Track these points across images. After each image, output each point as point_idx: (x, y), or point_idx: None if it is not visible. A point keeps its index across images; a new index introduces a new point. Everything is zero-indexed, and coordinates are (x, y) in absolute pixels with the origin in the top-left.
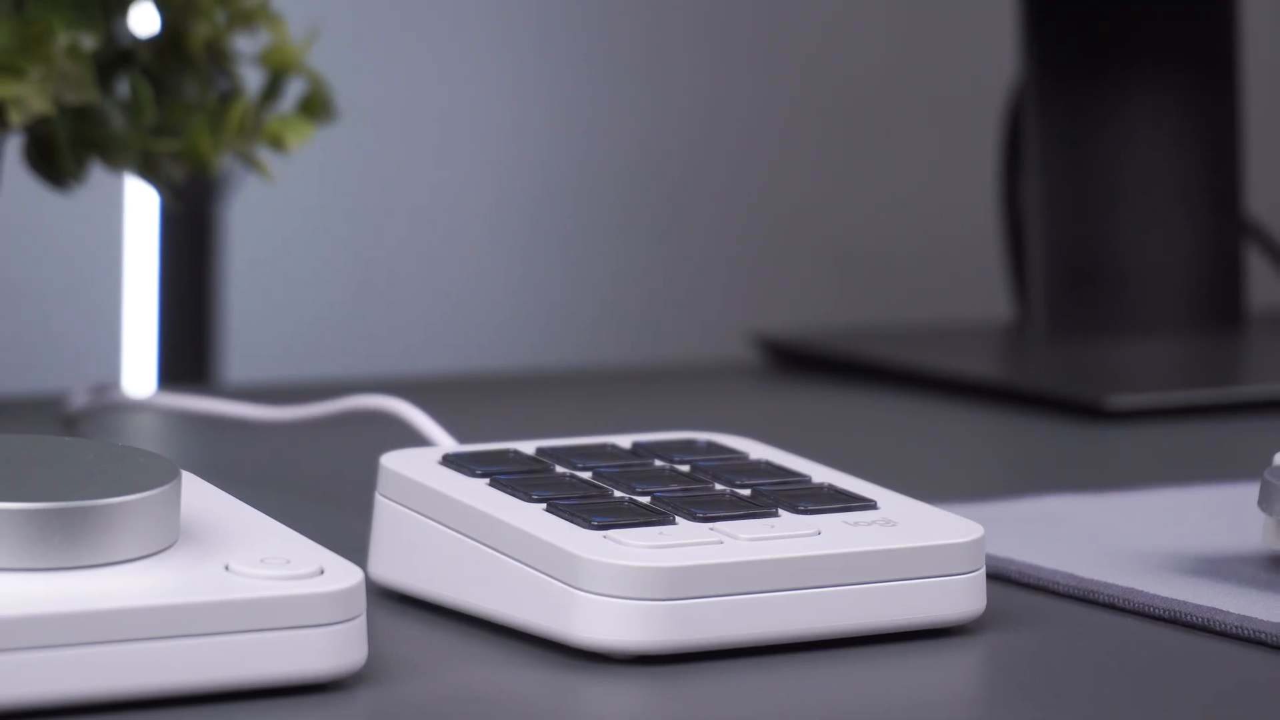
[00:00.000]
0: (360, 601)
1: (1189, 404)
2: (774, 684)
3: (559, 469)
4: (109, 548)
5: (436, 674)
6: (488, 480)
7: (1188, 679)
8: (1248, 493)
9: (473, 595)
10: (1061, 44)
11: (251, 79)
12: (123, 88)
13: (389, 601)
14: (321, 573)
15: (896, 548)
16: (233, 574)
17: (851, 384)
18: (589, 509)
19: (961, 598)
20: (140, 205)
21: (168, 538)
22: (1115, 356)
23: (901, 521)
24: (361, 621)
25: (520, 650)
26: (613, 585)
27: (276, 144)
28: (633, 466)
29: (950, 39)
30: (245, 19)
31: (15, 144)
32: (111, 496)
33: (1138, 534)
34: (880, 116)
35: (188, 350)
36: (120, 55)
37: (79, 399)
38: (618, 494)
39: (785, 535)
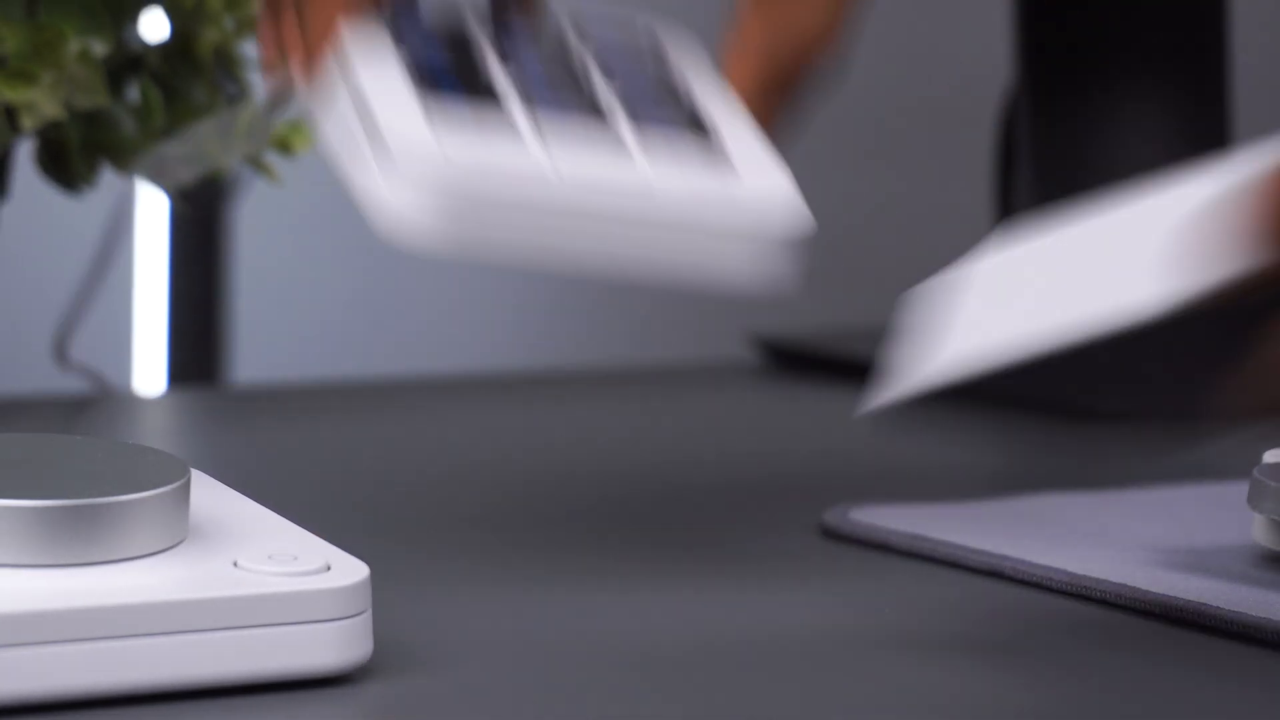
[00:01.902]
0: (366, 597)
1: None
2: None
3: (472, 27)
4: (119, 544)
5: (442, 668)
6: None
7: (1178, 674)
8: (1238, 490)
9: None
10: (1054, 52)
11: (257, 83)
12: (132, 92)
13: (394, 597)
14: (328, 569)
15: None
16: (241, 570)
17: (850, 384)
18: (437, 77)
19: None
20: (150, 208)
21: (177, 534)
22: (1109, 356)
23: (741, 198)
24: (367, 616)
25: (528, 645)
26: (402, 178)
27: (284, 148)
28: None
29: (947, 45)
30: (253, 25)
31: (25, 147)
32: (122, 494)
33: (1129, 530)
34: (879, 121)
35: (197, 351)
36: (130, 60)
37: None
38: (489, 62)
39: (604, 154)
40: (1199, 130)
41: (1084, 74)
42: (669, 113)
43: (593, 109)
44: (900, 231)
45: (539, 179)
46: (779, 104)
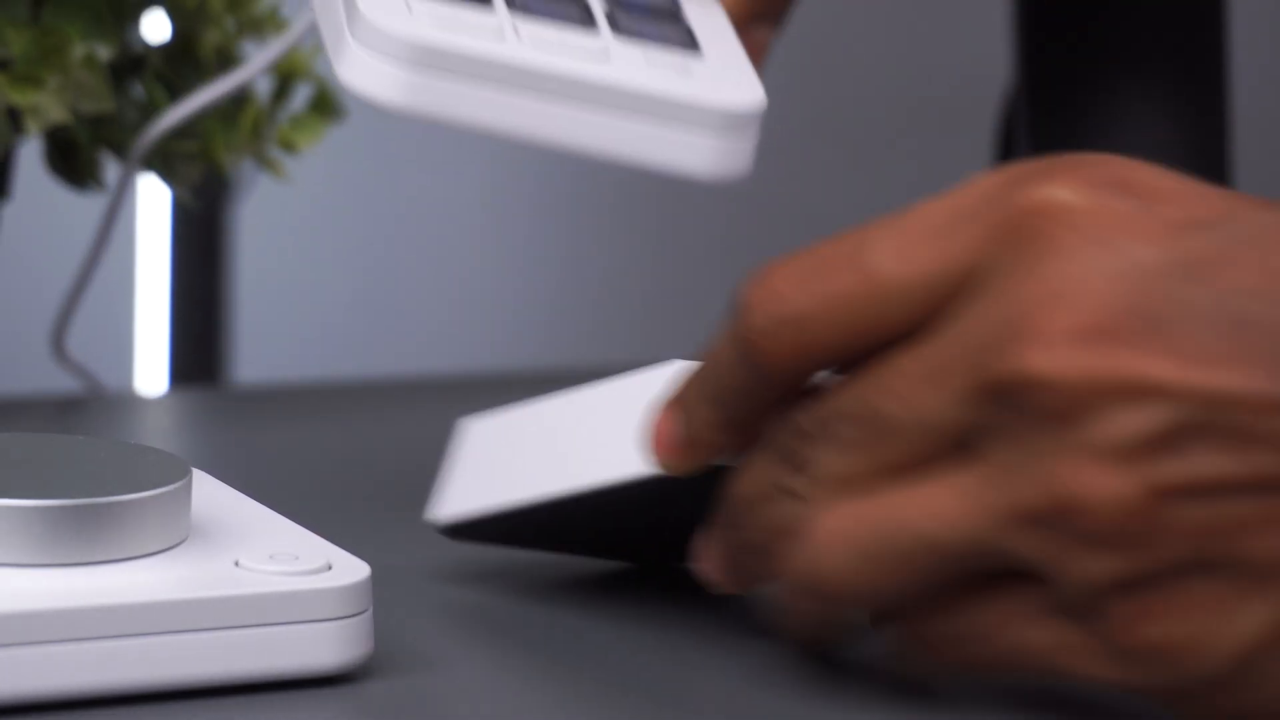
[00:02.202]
0: (367, 596)
1: None
2: None
3: None
4: (121, 544)
5: (442, 667)
6: None
7: None
8: None
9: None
10: (1054, 53)
11: (260, 84)
12: (136, 90)
13: (395, 596)
14: (329, 568)
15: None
16: (242, 569)
17: None
18: None
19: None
20: (153, 207)
21: (179, 534)
22: None
23: (697, 75)
24: (368, 616)
25: (529, 643)
26: (371, 38)
27: (288, 146)
28: None
29: (947, 45)
30: (255, 25)
31: (29, 146)
32: (124, 494)
33: None
34: (878, 122)
35: (198, 350)
36: (132, 61)
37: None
38: None
39: (574, 50)
40: (1198, 131)
41: (1083, 75)
42: (648, 22)
43: (572, 14)
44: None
45: (501, 46)
46: (763, 12)
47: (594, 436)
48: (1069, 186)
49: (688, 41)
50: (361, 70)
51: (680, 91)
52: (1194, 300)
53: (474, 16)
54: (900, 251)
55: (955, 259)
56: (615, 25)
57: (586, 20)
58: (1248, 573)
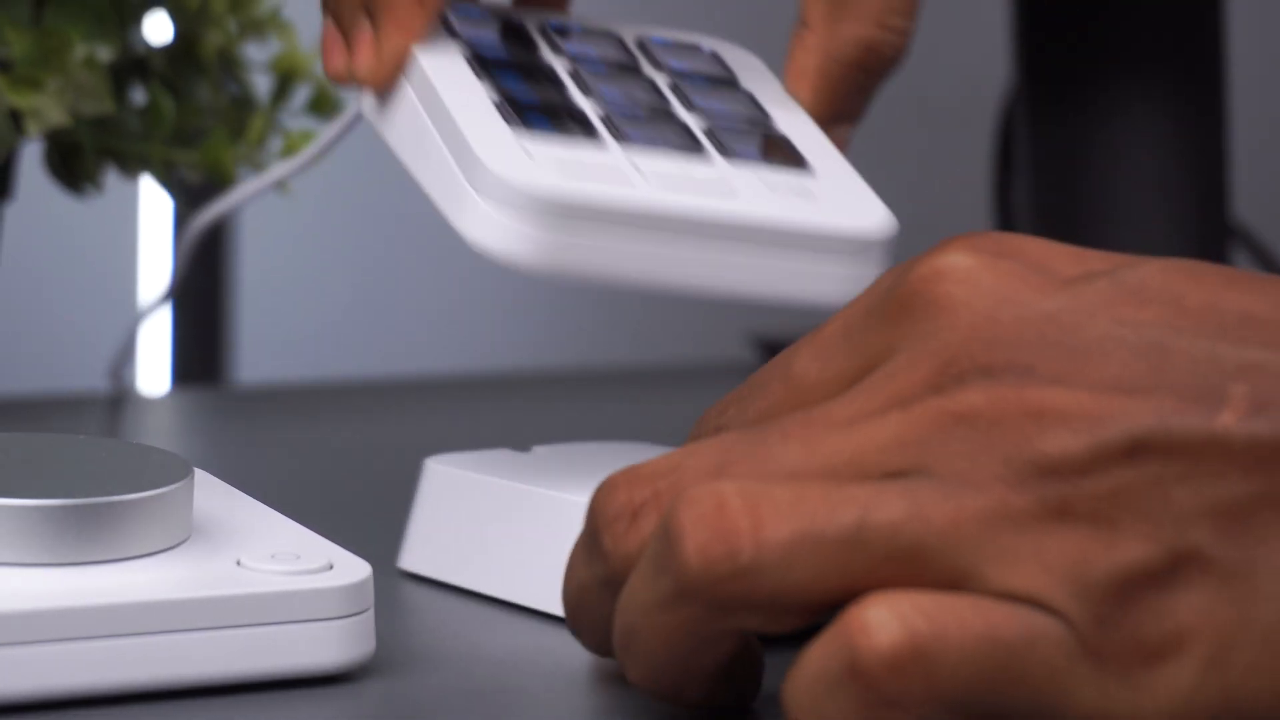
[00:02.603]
0: (368, 595)
1: None
2: None
3: (545, 51)
4: (124, 543)
5: (444, 666)
6: (468, 53)
7: None
8: None
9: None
10: (1053, 54)
11: (259, 84)
12: (137, 95)
13: (396, 596)
14: (330, 568)
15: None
16: (244, 569)
17: None
18: (529, 107)
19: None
20: (155, 207)
21: (181, 533)
22: None
23: (819, 197)
24: (370, 615)
25: (530, 644)
26: (499, 192)
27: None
28: (621, 64)
29: (947, 46)
30: (256, 27)
31: (30, 149)
32: (126, 493)
33: None
34: (877, 122)
35: (200, 351)
36: (134, 63)
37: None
38: (574, 94)
39: (700, 184)
40: (1194, 132)
41: (1082, 76)
42: (750, 140)
43: (679, 141)
44: (899, 234)
45: (634, 192)
46: (844, 112)
47: (541, 545)
48: (960, 252)
49: (795, 159)
50: (492, 229)
51: (813, 222)
52: (1104, 333)
53: (592, 155)
54: (816, 356)
55: (868, 348)
56: (721, 147)
57: (693, 145)
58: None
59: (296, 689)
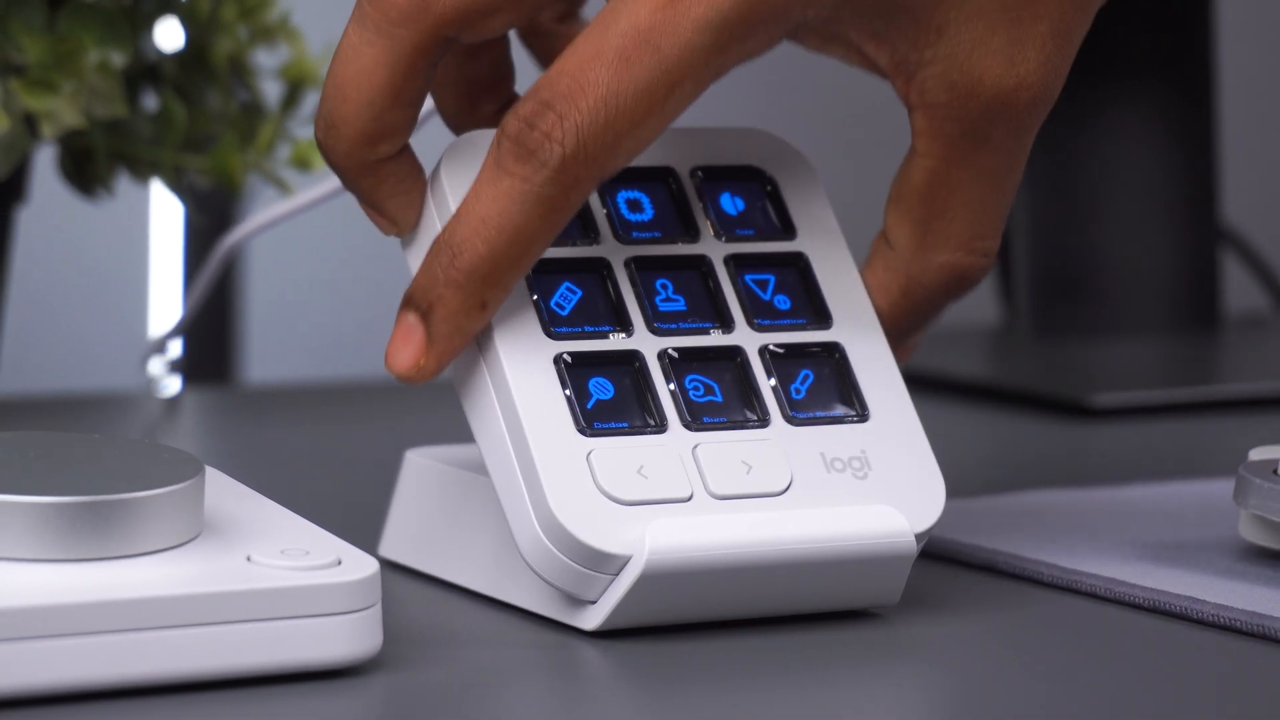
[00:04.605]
0: (376, 591)
1: (1168, 402)
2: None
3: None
4: (136, 539)
5: (450, 660)
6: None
7: (1166, 665)
8: (1224, 487)
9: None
10: None
11: (269, 90)
12: (149, 100)
13: (403, 591)
14: (339, 563)
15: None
16: (254, 565)
17: None
18: (598, 413)
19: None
20: (166, 211)
21: (192, 530)
22: (1098, 357)
23: (875, 468)
24: (377, 610)
25: (534, 637)
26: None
27: (303, 165)
28: (679, 255)
29: None
30: (266, 34)
31: (43, 156)
32: (138, 491)
33: (1119, 526)
34: (873, 122)
35: (211, 350)
36: (146, 69)
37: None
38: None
39: (757, 485)
40: (1185, 135)
41: (1073, 81)
42: (817, 389)
43: (744, 412)
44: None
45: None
46: (919, 327)
47: (506, 537)
48: None
49: (856, 407)
50: (545, 561)
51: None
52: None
53: (655, 455)
54: None
55: None
56: (785, 405)
57: (758, 416)
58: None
59: (305, 683)
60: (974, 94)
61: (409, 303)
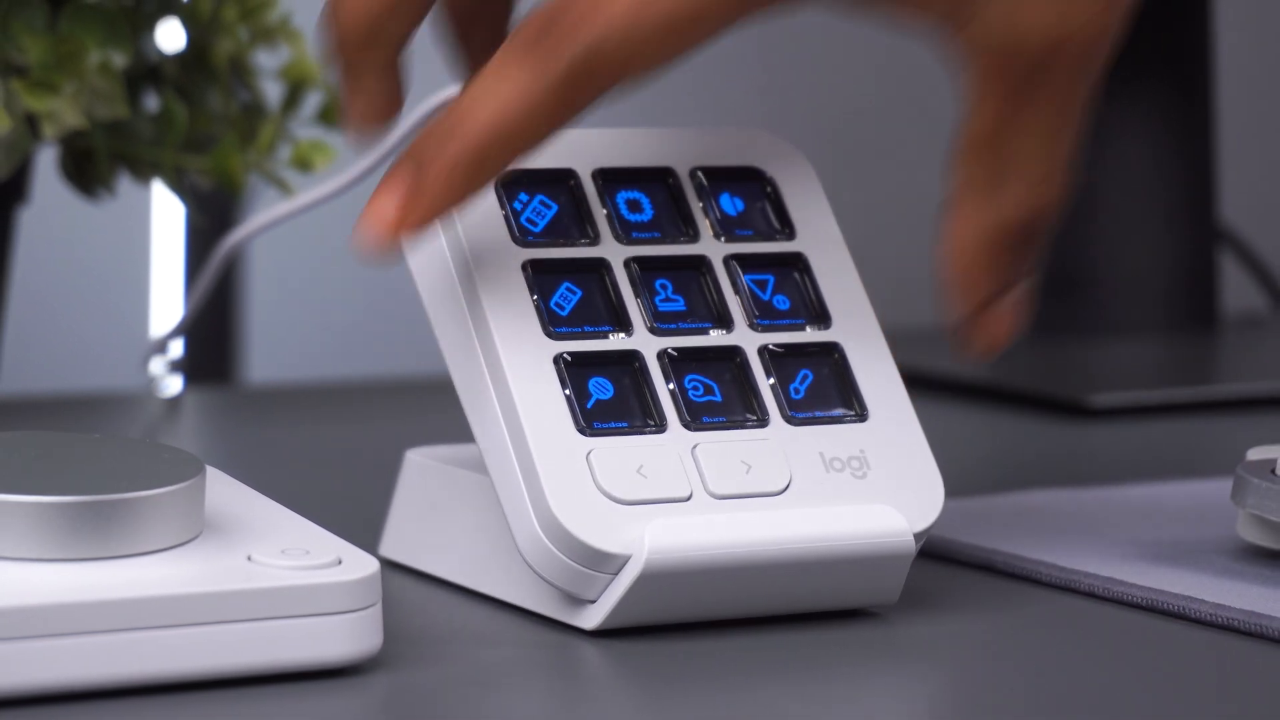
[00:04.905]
0: (376, 590)
1: (1166, 402)
2: None
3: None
4: (137, 539)
5: (450, 659)
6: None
7: (1164, 664)
8: (1222, 487)
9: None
10: None
11: (270, 90)
12: (150, 101)
13: (403, 591)
14: (339, 563)
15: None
16: (255, 564)
17: None
18: (600, 412)
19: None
20: (167, 212)
21: (193, 529)
22: (1096, 357)
23: (874, 468)
24: (377, 609)
25: (534, 636)
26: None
27: (304, 166)
28: (681, 255)
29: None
30: (267, 35)
31: (44, 158)
32: (139, 490)
33: (1117, 526)
34: (873, 122)
35: (211, 350)
36: (147, 70)
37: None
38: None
39: (755, 485)
40: (1183, 136)
41: None
42: (815, 389)
43: (743, 412)
44: (897, 231)
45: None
46: (1004, 274)
47: (503, 536)
48: None
49: (855, 407)
50: (549, 563)
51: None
52: None
53: (654, 455)
54: None
55: None
56: (784, 405)
57: (757, 416)
58: None
59: (305, 682)
60: (1025, 42)
61: (403, 160)
